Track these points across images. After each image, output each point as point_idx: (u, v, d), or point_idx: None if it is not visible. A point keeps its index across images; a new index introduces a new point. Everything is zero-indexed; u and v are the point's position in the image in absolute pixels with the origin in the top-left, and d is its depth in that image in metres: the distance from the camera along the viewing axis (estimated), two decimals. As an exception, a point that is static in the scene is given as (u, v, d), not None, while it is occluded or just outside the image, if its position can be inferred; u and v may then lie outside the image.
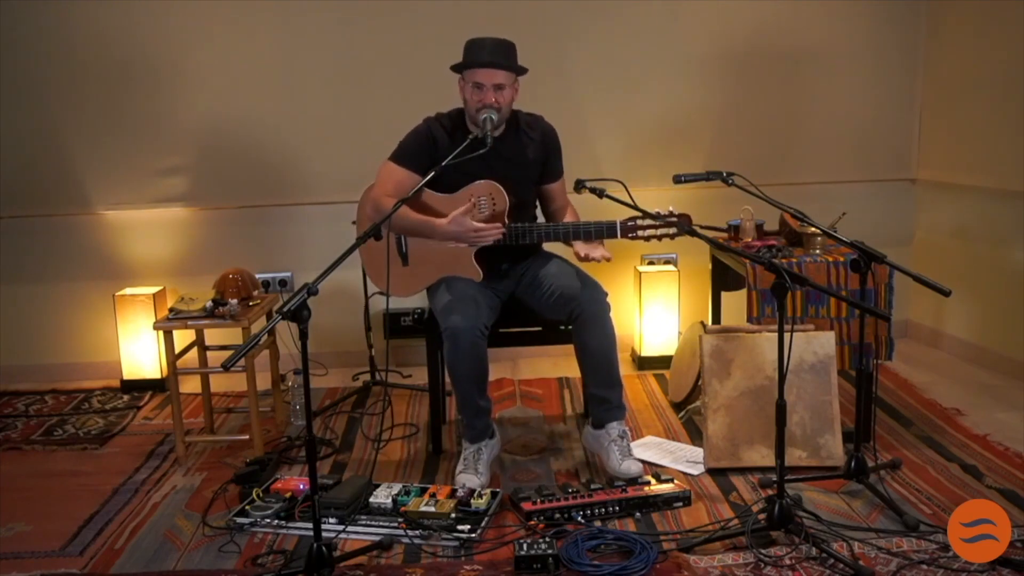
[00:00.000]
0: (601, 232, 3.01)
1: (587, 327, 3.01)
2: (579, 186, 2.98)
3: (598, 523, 2.69)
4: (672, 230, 2.93)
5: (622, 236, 2.99)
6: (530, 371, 4.34)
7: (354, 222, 3.32)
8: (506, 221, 3.05)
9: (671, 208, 2.96)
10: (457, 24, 4.11)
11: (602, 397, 3.08)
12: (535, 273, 3.15)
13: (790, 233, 3.50)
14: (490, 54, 2.99)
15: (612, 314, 3.05)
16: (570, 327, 3.08)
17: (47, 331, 4.47)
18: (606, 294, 3.04)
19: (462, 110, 3.14)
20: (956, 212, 4.40)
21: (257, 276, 3.70)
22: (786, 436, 2.55)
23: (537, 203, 3.30)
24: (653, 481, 2.87)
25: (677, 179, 3.13)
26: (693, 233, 2.66)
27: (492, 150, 2.92)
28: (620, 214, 2.97)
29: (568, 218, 3.27)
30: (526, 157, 3.15)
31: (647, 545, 2.50)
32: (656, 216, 2.92)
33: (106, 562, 2.61)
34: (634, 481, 2.87)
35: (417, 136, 3.12)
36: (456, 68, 3.07)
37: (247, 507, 2.81)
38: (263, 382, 3.51)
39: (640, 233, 2.96)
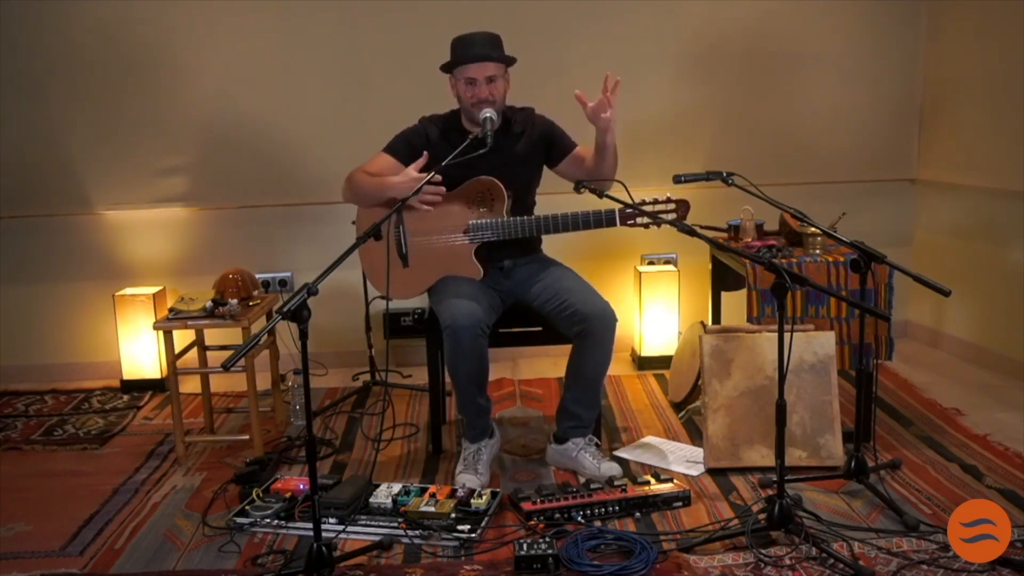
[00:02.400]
0: (600, 221, 2.99)
1: (589, 346, 3.00)
2: (579, 186, 2.98)
3: (598, 523, 2.69)
4: (671, 216, 2.93)
5: (621, 223, 2.98)
6: (530, 371, 4.34)
7: (353, 222, 3.32)
8: (505, 216, 3.05)
9: (668, 195, 2.97)
10: (458, 24, 4.09)
11: (576, 414, 3.09)
12: (547, 284, 3.13)
13: (790, 233, 3.50)
14: (479, 47, 3.00)
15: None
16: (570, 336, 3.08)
17: (47, 331, 4.47)
18: (616, 320, 3.03)
19: (456, 111, 3.15)
20: (956, 212, 4.40)
21: (257, 276, 3.70)
22: (786, 436, 2.55)
23: (536, 199, 3.27)
24: (653, 481, 2.87)
25: (677, 179, 3.13)
26: (693, 232, 2.66)
27: (489, 147, 2.91)
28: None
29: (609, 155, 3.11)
30: (522, 152, 3.15)
31: (647, 545, 2.50)
32: (654, 203, 2.95)
33: (106, 562, 2.61)
34: (634, 480, 2.87)
35: (412, 133, 3.16)
36: (446, 68, 3.08)
37: (247, 507, 2.81)
38: (263, 382, 3.51)
39: (639, 220, 2.96)
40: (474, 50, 3.00)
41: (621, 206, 2.94)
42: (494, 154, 2.95)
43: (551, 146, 3.20)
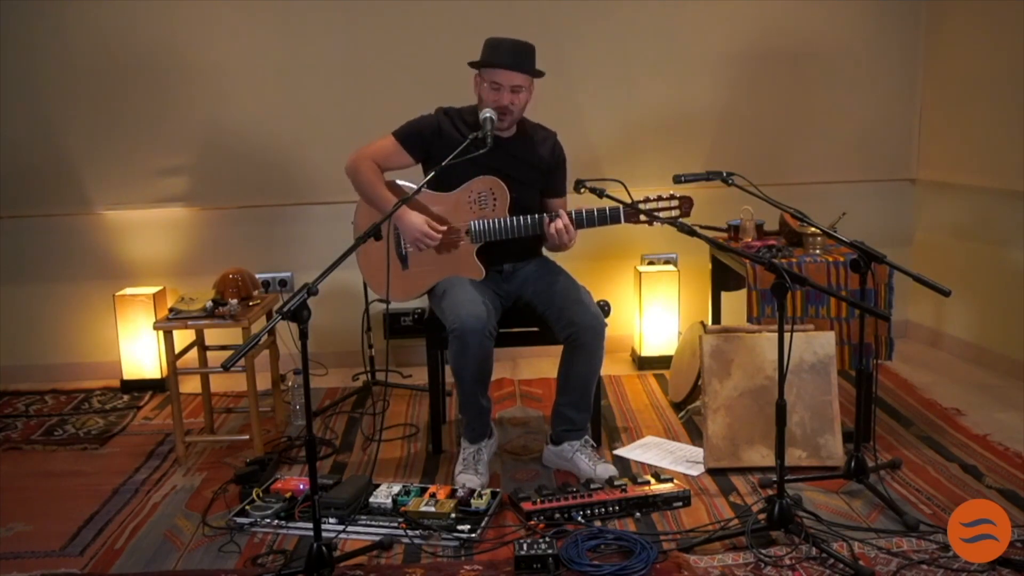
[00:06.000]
0: (605, 218, 3.00)
1: (578, 353, 3.01)
2: (579, 186, 2.98)
3: (598, 523, 2.69)
4: (675, 212, 2.95)
5: (626, 221, 3.00)
6: (530, 371, 4.34)
7: (354, 222, 3.32)
8: (507, 215, 3.05)
9: (672, 192, 2.98)
10: (459, 24, 4.13)
11: (569, 417, 3.09)
12: (541, 288, 3.14)
13: (790, 233, 3.50)
14: (511, 56, 2.99)
15: (606, 342, 3.04)
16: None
17: (47, 331, 4.47)
18: (606, 325, 3.03)
19: (475, 107, 3.13)
20: (956, 212, 4.40)
21: (257, 276, 3.70)
22: (786, 436, 2.55)
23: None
24: (653, 481, 2.87)
25: (677, 179, 3.13)
26: (693, 232, 2.66)
27: (500, 149, 2.91)
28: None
29: None
30: (532, 160, 3.14)
31: (647, 545, 2.50)
32: (658, 199, 2.96)
33: (106, 562, 2.61)
34: (634, 480, 2.87)
35: (425, 123, 3.12)
36: (474, 65, 3.05)
37: (247, 507, 2.81)
38: (263, 382, 3.51)
39: (642, 217, 2.96)
40: (506, 57, 2.98)
41: (626, 204, 2.94)
42: (507, 157, 2.95)
43: (549, 176, 3.21)
